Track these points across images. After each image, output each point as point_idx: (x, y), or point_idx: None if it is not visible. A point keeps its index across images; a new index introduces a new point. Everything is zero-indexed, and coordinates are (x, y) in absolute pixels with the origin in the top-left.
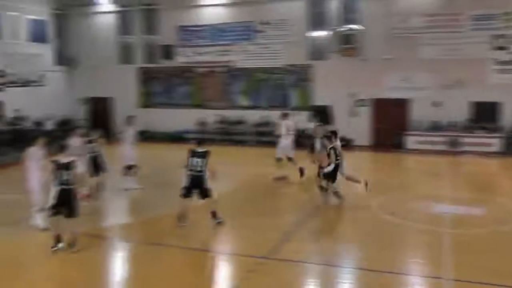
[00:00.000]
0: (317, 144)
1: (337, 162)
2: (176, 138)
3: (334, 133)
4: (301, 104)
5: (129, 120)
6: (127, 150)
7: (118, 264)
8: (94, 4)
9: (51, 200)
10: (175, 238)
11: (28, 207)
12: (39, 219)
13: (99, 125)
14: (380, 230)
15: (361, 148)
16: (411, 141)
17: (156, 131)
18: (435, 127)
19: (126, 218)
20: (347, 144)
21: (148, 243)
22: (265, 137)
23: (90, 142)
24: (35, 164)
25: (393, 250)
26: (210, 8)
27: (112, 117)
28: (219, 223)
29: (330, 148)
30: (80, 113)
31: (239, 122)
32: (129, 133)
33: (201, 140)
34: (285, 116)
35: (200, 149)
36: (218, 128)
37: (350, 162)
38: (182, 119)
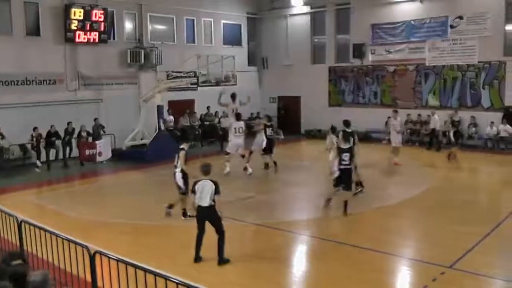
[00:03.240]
0: None
1: None
2: (365, 137)
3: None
4: (493, 105)
5: None
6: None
7: (298, 257)
8: (288, 7)
9: None
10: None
11: None
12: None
13: (287, 122)
14: None
15: None
16: None
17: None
18: None
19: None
20: None
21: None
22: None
23: (267, 127)
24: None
25: None
26: (404, 5)
27: (300, 115)
28: None
29: None
30: (269, 110)
31: (428, 123)
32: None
33: None
34: None
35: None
36: (407, 129)
37: None
38: (371, 118)
